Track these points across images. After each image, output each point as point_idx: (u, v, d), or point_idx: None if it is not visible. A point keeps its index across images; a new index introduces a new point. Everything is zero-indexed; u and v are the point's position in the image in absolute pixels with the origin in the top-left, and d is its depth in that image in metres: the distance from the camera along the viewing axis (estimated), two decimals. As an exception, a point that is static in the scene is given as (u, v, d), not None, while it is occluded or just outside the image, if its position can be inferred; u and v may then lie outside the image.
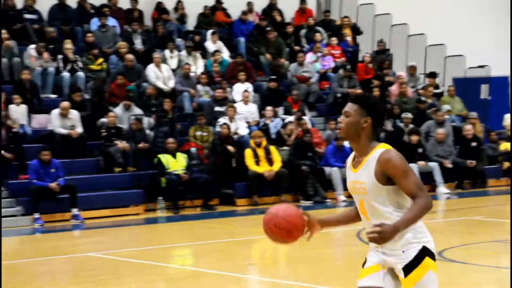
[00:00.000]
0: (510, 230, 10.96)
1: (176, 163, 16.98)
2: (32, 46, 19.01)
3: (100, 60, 19.71)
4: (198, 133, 18.27)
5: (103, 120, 17.83)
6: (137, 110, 18.39)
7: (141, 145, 17.49)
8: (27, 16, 20.50)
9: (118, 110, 18.14)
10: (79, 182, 16.19)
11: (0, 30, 18.38)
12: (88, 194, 16.31)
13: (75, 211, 15.75)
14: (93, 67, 19.54)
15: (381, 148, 4.51)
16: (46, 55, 18.99)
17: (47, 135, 17.19)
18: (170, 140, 17.31)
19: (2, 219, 15.29)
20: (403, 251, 4.52)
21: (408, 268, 4.52)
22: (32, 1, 20.68)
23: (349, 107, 4.57)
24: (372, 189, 4.50)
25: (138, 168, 17.35)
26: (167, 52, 20.65)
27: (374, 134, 4.56)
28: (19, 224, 15.41)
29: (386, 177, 4.46)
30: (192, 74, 20.17)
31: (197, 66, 20.82)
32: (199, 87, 20.02)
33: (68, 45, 19.31)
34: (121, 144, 17.24)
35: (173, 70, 20.22)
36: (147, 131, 18.09)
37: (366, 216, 4.60)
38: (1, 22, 18.56)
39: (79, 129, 17.25)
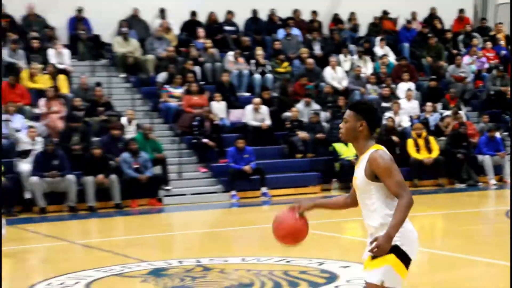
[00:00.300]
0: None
1: (348, 151, 17.10)
2: (231, 53, 19.63)
3: (285, 64, 20.06)
4: (367, 125, 18.40)
5: (287, 114, 18.19)
6: (316, 106, 18.65)
7: (318, 135, 17.72)
8: (227, 28, 21.18)
9: (300, 105, 18.49)
10: (267, 166, 16.60)
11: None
12: (275, 176, 16.72)
13: (264, 189, 16.28)
14: (280, 70, 19.93)
15: (373, 148, 4.38)
16: (241, 60, 19.60)
17: (242, 127, 17.66)
18: (343, 131, 17.54)
19: (208, 194, 16.11)
20: None
21: (373, 256, 4.33)
22: (231, 15, 21.36)
23: (347, 114, 4.48)
24: (362, 184, 4.38)
25: (316, 155, 17.57)
26: (341, 57, 20.80)
27: (371, 135, 4.43)
28: (219, 199, 16.02)
29: (373, 174, 4.33)
30: (362, 75, 20.24)
31: (367, 68, 20.83)
32: (368, 86, 20.05)
33: (259, 51, 19.84)
34: (302, 134, 17.60)
35: (346, 72, 20.32)
36: (324, 124, 18.27)
37: (361, 208, 4.49)
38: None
39: (268, 122, 17.69)
